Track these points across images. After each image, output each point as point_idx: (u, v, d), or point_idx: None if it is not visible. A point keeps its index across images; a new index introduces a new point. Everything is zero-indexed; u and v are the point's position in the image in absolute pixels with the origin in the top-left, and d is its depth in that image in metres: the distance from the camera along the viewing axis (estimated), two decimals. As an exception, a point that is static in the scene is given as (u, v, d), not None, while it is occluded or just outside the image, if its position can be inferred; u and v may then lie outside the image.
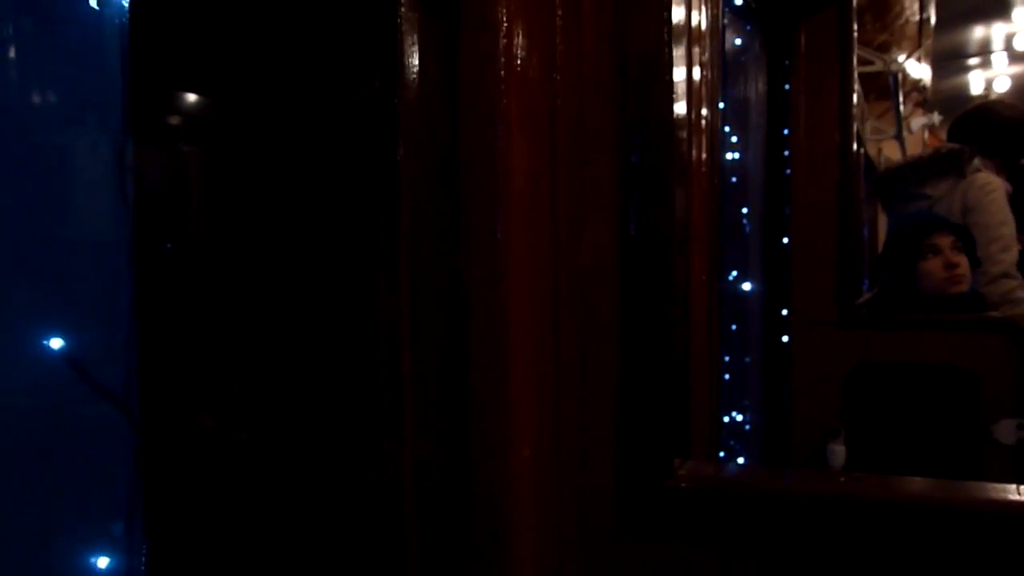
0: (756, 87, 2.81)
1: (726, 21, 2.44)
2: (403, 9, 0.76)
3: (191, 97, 0.83)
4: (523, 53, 0.84)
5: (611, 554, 0.93)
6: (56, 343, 0.92)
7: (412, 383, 0.76)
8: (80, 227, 0.95)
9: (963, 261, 2.55)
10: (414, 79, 0.77)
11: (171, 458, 0.89)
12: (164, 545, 0.91)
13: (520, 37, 0.84)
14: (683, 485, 0.91)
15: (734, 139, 2.74)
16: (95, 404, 0.97)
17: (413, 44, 0.77)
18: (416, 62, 0.77)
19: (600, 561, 0.93)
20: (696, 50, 1.67)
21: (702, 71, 1.72)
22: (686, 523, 0.92)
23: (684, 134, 1.46)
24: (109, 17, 0.83)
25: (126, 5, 0.83)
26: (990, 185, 2.80)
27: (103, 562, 1.02)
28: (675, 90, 1.01)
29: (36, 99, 0.86)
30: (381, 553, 0.76)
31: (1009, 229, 2.77)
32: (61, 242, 0.95)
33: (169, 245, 0.86)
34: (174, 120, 0.84)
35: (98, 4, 0.82)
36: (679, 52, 1.33)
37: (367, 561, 0.77)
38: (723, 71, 2.20)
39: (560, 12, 0.90)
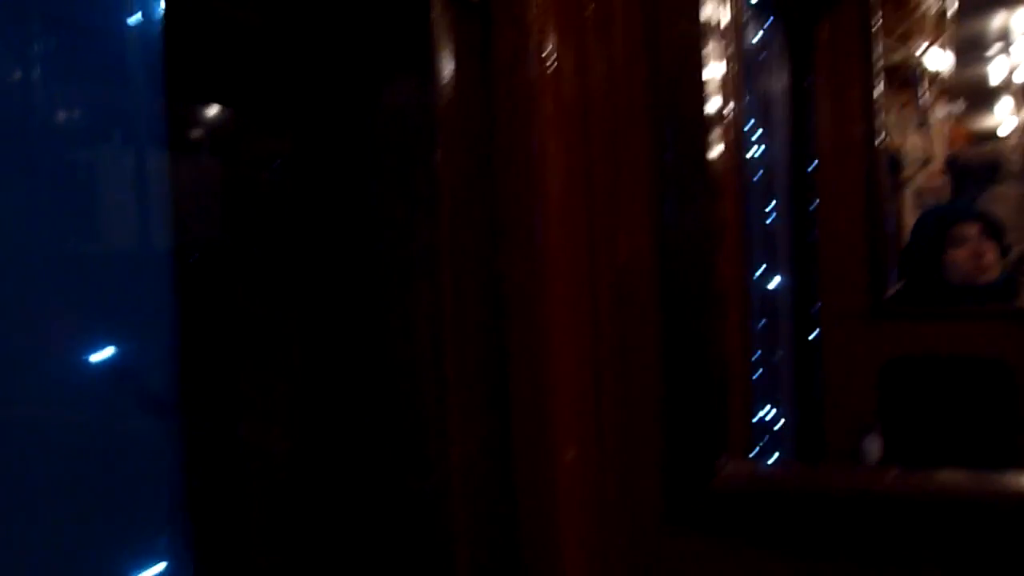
0: (779, 81, 2.79)
1: (748, 16, 2.43)
2: (436, 12, 0.75)
3: (228, 108, 0.83)
4: (555, 52, 0.84)
5: (656, 556, 0.92)
6: (102, 355, 0.92)
7: (456, 386, 0.75)
8: (123, 239, 0.95)
9: (991, 249, 2.51)
10: (449, 81, 0.77)
11: (214, 468, 0.89)
12: (209, 556, 0.91)
13: (552, 36, 0.84)
14: (728, 486, 0.90)
15: (758, 134, 2.72)
16: (141, 415, 0.97)
17: (447, 46, 0.76)
18: (451, 64, 0.77)
19: (645, 563, 0.92)
20: (720, 46, 1.66)
21: (728, 66, 1.71)
22: (731, 524, 0.91)
23: (713, 130, 1.45)
24: (145, 31, 0.83)
25: (161, 18, 0.83)
26: None
27: (147, 574, 1.02)
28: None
29: (77, 115, 0.87)
30: (429, 559, 0.76)
31: None
32: (103, 254, 0.95)
33: (209, 254, 0.86)
34: (212, 132, 0.85)
35: (134, 19, 0.83)
36: (706, 48, 1.32)
37: (416, 568, 0.76)
38: (746, 66, 2.18)
39: (591, 10, 0.89)
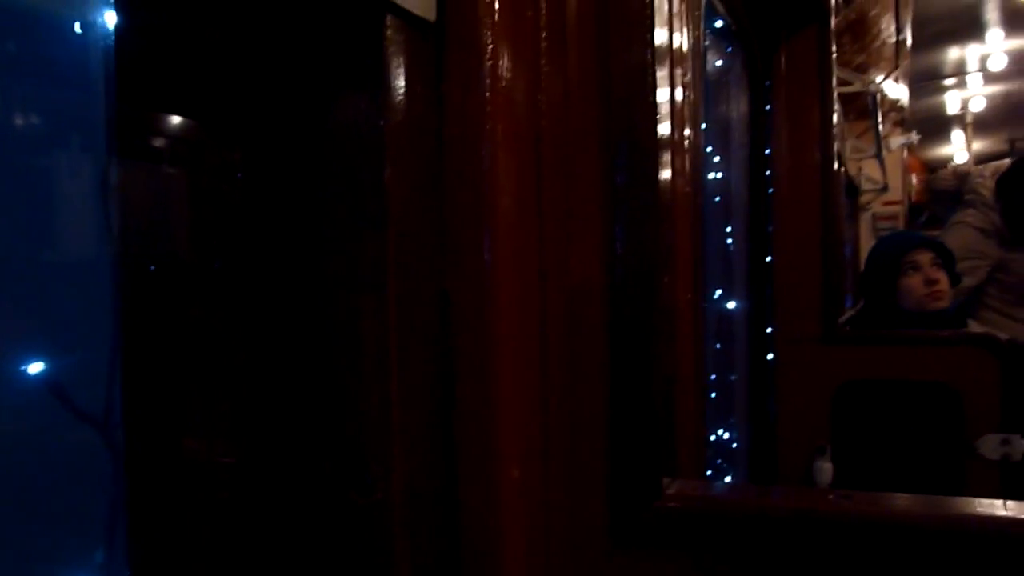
0: (738, 107, 2.84)
1: (707, 43, 2.47)
2: (389, 31, 0.76)
3: (176, 119, 0.83)
4: (508, 74, 0.85)
5: (601, 575, 0.93)
6: (36, 367, 0.91)
7: (400, 405, 0.75)
8: (62, 250, 0.94)
9: (943, 277, 2.58)
10: (400, 100, 0.77)
11: (156, 483, 0.88)
12: (148, 573, 0.90)
13: (505, 59, 0.85)
14: (672, 505, 0.91)
15: (717, 159, 2.76)
16: (75, 429, 0.95)
17: (400, 65, 0.77)
18: (402, 83, 0.77)
19: (590, 582, 0.93)
20: (679, 71, 1.68)
21: (684, 92, 1.74)
22: (676, 543, 0.92)
23: (668, 154, 1.47)
24: (93, 39, 0.83)
25: (111, 28, 0.83)
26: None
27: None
28: (659, 111, 1.02)
29: (18, 121, 0.86)
30: (370, 577, 0.75)
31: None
32: (41, 264, 0.94)
33: (153, 267, 0.85)
34: (159, 142, 0.84)
35: (82, 27, 0.82)
36: (662, 73, 1.35)
37: (356, 586, 0.76)
38: (705, 92, 2.22)
39: (545, 34, 0.90)
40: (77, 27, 0.84)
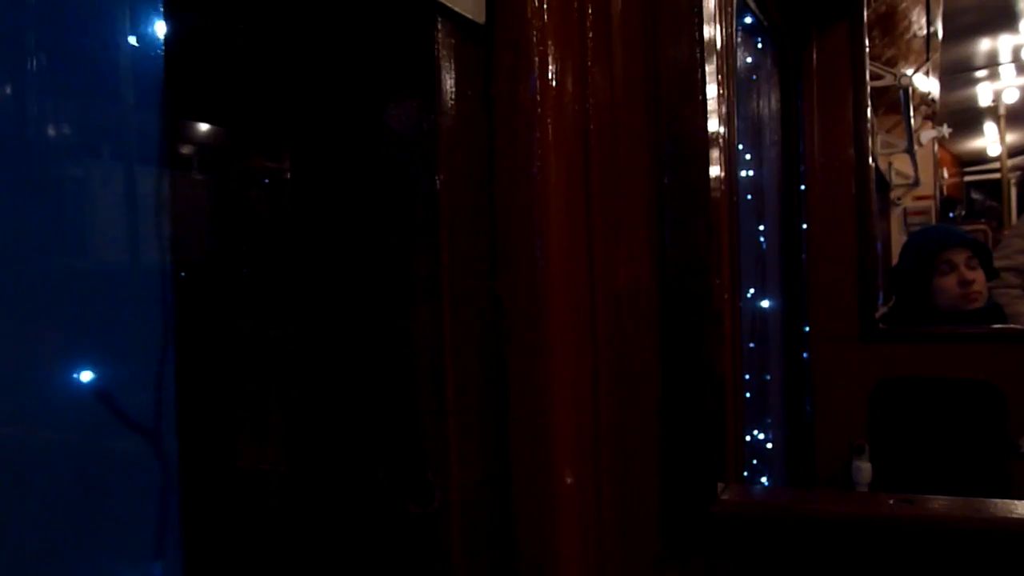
0: (769, 103, 2.81)
1: (739, 39, 2.44)
2: (440, 34, 0.75)
3: (229, 128, 0.82)
4: (556, 76, 0.84)
5: (655, 582, 0.91)
6: (86, 376, 0.91)
7: (456, 412, 0.75)
8: (113, 259, 0.94)
9: (978, 277, 2.52)
10: (451, 103, 0.76)
11: (210, 492, 0.88)
12: (200, 581, 0.90)
13: (552, 60, 0.84)
14: (727, 510, 0.89)
15: (748, 156, 2.74)
16: (125, 438, 0.96)
17: (450, 68, 0.76)
18: (453, 86, 0.77)
19: (645, 589, 0.91)
20: (713, 68, 1.67)
21: (719, 89, 1.72)
22: (731, 549, 0.90)
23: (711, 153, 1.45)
24: (146, 50, 0.83)
25: (162, 38, 0.83)
26: None
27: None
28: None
29: (72, 131, 0.86)
30: (427, 587, 0.75)
31: None
32: (93, 274, 0.94)
33: (207, 276, 0.85)
34: (212, 152, 0.84)
35: (136, 39, 0.82)
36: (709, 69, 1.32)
37: (413, 595, 0.75)
38: (737, 88, 2.20)
39: (591, 34, 0.89)
40: (131, 39, 0.85)
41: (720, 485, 0.93)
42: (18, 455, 0.88)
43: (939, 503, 0.89)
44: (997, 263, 2.67)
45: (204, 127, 0.87)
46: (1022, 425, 2.39)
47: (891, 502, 0.90)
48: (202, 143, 0.88)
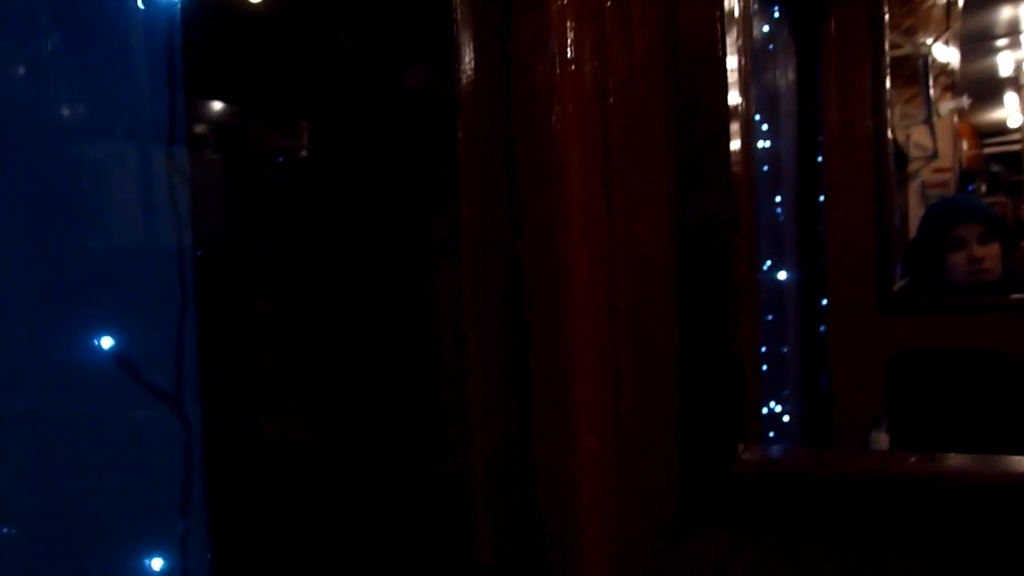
0: (785, 74, 2.78)
1: (755, 7, 2.42)
2: (457, -4, 0.75)
3: (245, 102, 0.83)
4: (574, 34, 0.84)
5: (676, 541, 0.92)
6: (107, 343, 0.92)
7: (477, 371, 0.75)
8: (134, 231, 0.95)
9: (990, 252, 2.47)
10: (470, 66, 0.77)
11: (233, 457, 0.89)
12: (228, 544, 0.91)
13: (572, 23, 0.83)
14: (749, 470, 0.90)
15: (765, 127, 2.71)
16: (148, 406, 0.97)
17: (468, 29, 0.76)
18: (471, 47, 0.77)
19: (665, 548, 0.92)
20: (732, 38, 1.65)
21: (738, 58, 1.70)
22: (752, 509, 0.91)
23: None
24: (161, 29, 0.83)
25: (178, 16, 0.83)
26: None
27: (157, 563, 1.02)
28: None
29: (92, 111, 0.87)
30: (451, 542, 0.76)
31: None
32: (115, 247, 0.95)
33: (228, 241, 0.86)
34: (228, 125, 0.84)
35: (150, 16, 0.82)
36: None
37: (437, 553, 0.76)
38: (753, 58, 2.18)
39: (610, -3, 0.89)
40: (142, 16, 0.85)
41: (740, 446, 0.94)
42: (56, 422, 0.90)
43: (960, 459, 0.89)
44: None
45: (224, 102, 0.87)
46: (1041, 395, 2.38)
47: (913, 460, 0.90)
48: (222, 119, 0.88)
